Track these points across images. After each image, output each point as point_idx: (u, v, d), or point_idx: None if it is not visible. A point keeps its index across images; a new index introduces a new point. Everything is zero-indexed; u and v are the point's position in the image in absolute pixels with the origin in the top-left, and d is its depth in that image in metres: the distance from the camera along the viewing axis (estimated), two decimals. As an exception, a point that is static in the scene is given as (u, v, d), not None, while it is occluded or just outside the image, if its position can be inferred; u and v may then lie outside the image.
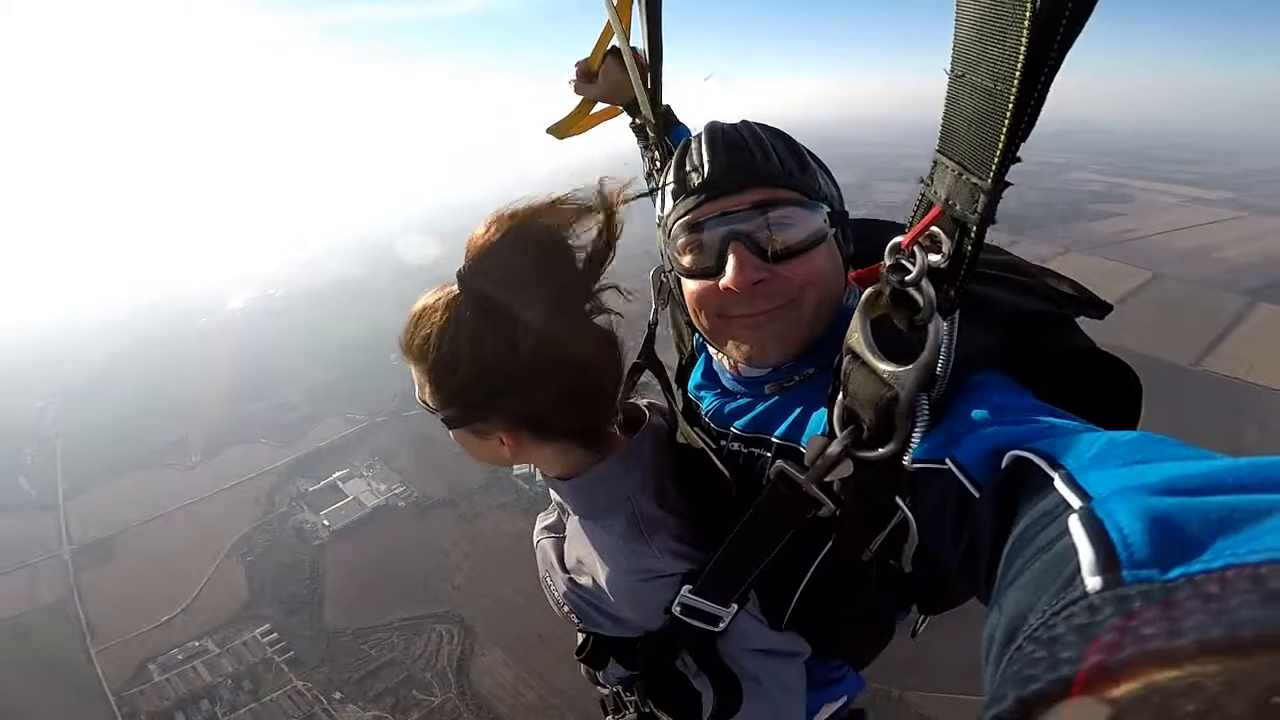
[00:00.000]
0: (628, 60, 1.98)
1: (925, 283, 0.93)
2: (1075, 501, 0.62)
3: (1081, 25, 0.75)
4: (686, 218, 1.35)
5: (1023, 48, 0.75)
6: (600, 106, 2.21)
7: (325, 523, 54.57)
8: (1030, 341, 1.12)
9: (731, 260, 1.29)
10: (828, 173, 1.44)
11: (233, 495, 60.94)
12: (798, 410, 1.35)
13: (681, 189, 1.37)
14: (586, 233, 1.31)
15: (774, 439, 1.37)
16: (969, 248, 0.90)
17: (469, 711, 38.48)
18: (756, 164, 1.31)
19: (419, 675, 40.56)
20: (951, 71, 0.88)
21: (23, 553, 55.53)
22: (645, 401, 1.67)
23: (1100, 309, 1.28)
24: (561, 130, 2.25)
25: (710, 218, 1.32)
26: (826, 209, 1.34)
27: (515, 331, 1.24)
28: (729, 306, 1.35)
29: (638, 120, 2.12)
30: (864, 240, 1.44)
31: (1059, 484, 0.66)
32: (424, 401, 1.39)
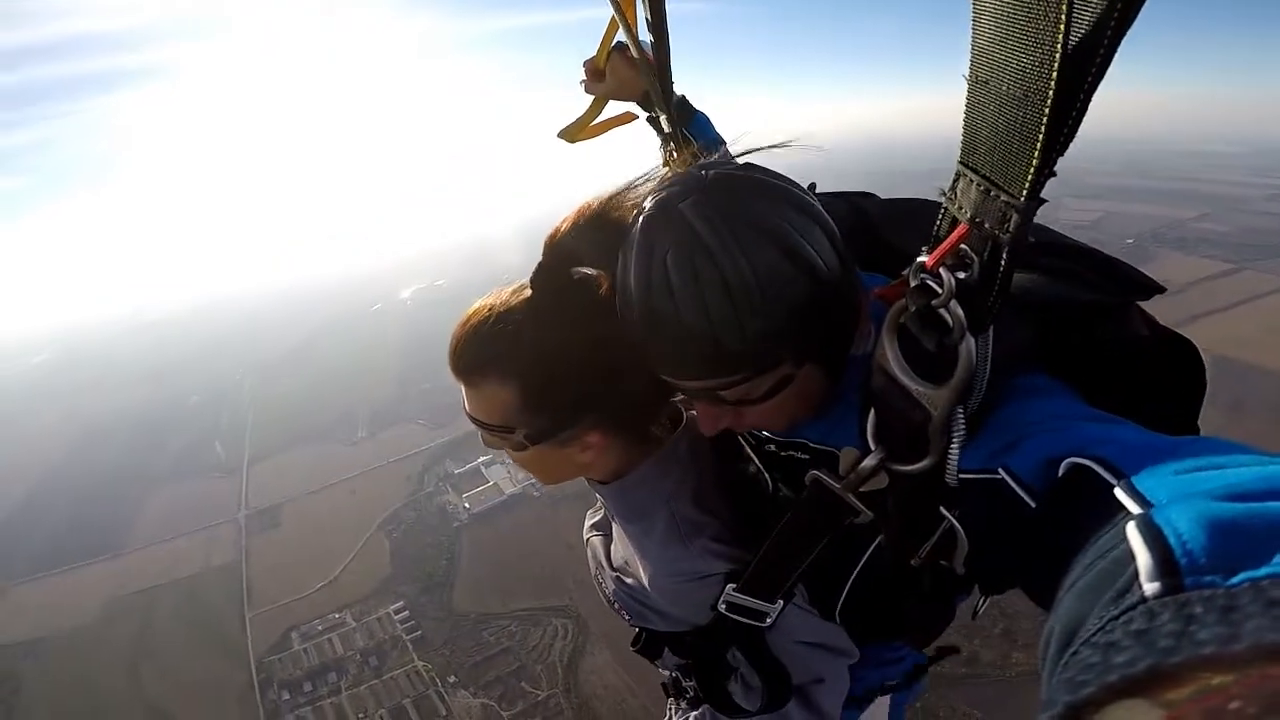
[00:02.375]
0: (632, 43, 1.84)
1: (954, 304, 0.87)
2: (1135, 508, 0.60)
3: (1137, 12, 0.65)
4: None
5: (1057, 54, 0.66)
6: (613, 110, 2.10)
7: (466, 505, 54.49)
8: (1074, 333, 1.08)
9: (697, 409, 1.24)
10: (800, 246, 1.04)
11: (389, 472, 62.81)
12: (830, 417, 1.24)
13: (629, 333, 1.15)
14: None
15: (810, 443, 1.28)
16: (1002, 267, 0.83)
17: (571, 710, 36.19)
18: (690, 355, 1.08)
19: (530, 667, 38.65)
20: (971, 76, 0.81)
21: (207, 515, 60.11)
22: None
23: (1150, 291, 1.16)
24: (572, 134, 2.11)
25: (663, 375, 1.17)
26: (788, 359, 1.09)
27: (599, 321, 1.17)
28: None
29: (652, 114, 1.99)
30: (895, 223, 1.33)
31: (1119, 492, 0.64)
32: (495, 424, 1.29)
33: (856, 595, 1.36)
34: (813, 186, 1.22)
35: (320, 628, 43.66)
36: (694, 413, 1.53)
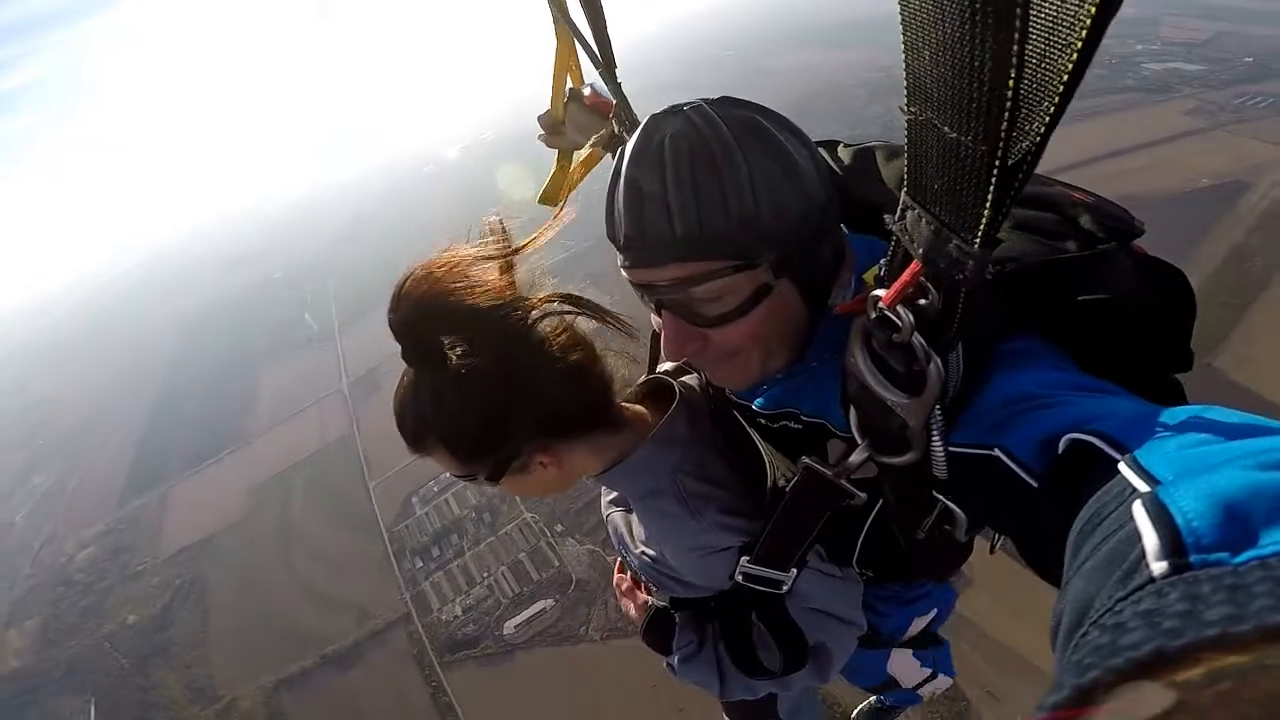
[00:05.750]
0: (570, 34, 1.82)
1: (916, 336, 0.88)
2: (1141, 486, 0.59)
3: (1094, 51, 0.57)
4: (623, 273, 1.21)
5: (1007, 100, 0.62)
6: (582, 153, 2.03)
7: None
8: (1057, 293, 1.05)
9: (663, 330, 1.21)
10: (795, 162, 1.08)
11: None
12: (815, 388, 1.25)
13: (610, 235, 1.19)
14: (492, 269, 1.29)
15: (801, 415, 1.29)
16: (960, 303, 0.83)
17: (665, 551, 37.50)
18: (673, 233, 1.07)
19: (626, 508, 39.79)
20: (908, 107, 0.77)
21: (314, 389, 63.64)
22: (667, 367, 1.69)
23: (1129, 235, 1.12)
24: (552, 196, 2.06)
25: (638, 284, 1.20)
26: (769, 262, 1.09)
27: (484, 369, 1.23)
28: None
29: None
30: (861, 177, 1.31)
31: (1124, 468, 0.63)
32: (459, 475, 1.39)
33: (869, 549, 1.38)
34: None
35: (436, 489, 46.02)
36: (683, 380, 1.58)
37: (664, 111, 1.10)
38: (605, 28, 1.73)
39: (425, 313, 1.22)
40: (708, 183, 1.02)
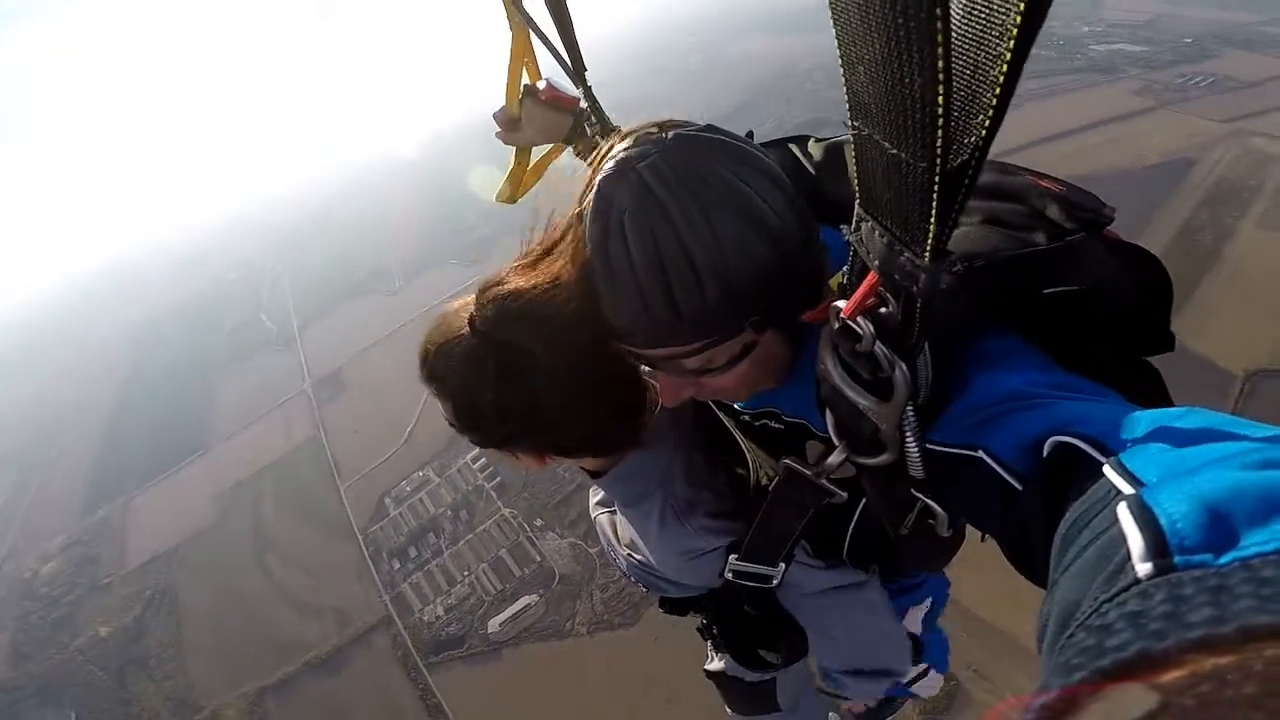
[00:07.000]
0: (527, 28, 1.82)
1: (878, 345, 0.89)
2: (1126, 488, 0.60)
3: (1024, 59, 0.58)
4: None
5: (939, 115, 0.61)
6: (540, 151, 2.05)
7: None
8: (1027, 287, 1.04)
9: (659, 383, 1.24)
10: (761, 210, 1.01)
11: (433, 316, 63.04)
12: (797, 390, 1.26)
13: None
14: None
15: (783, 415, 1.33)
16: (918, 312, 0.83)
17: (648, 539, 38.14)
18: (651, 321, 1.06)
19: (606, 500, 40.34)
20: (851, 122, 0.78)
21: (275, 392, 62.97)
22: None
23: (1097, 225, 1.09)
24: (510, 194, 2.06)
25: (628, 349, 1.18)
26: (750, 325, 1.08)
27: (536, 381, 1.22)
28: None
29: (579, 148, 1.94)
30: (833, 173, 1.29)
31: (1108, 471, 0.64)
32: (454, 426, 1.37)
33: (857, 544, 1.41)
34: (750, 136, 1.22)
35: (409, 489, 46.03)
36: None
37: (614, 170, 1.00)
38: (572, 31, 1.66)
39: (526, 318, 1.16)
40: (677, 271, 0.98)
